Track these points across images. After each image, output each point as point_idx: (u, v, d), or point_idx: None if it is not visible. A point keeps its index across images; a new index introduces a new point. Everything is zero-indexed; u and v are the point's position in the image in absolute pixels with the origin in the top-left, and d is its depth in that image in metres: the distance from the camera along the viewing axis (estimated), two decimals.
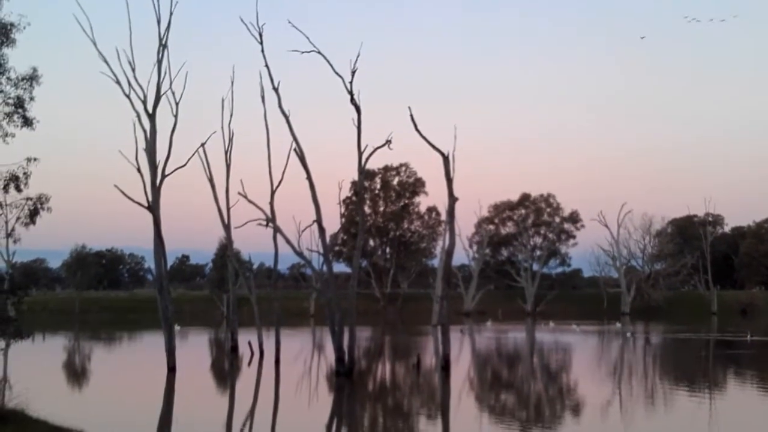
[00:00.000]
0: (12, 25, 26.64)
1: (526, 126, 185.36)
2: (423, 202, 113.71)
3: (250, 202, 38.50)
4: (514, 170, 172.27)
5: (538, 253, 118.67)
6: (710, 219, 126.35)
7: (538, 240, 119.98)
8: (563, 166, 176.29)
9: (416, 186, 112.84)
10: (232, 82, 44.57)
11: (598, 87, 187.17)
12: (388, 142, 33.33)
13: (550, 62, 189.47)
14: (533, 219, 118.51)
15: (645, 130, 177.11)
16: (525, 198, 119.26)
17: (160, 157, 34.10)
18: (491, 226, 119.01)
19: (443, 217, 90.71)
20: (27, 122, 26.77)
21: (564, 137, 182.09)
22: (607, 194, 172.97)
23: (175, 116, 35.41)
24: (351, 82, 33.23)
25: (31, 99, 26.84)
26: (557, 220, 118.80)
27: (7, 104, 26.33)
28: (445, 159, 34.45)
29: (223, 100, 43.93)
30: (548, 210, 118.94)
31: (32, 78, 26.86)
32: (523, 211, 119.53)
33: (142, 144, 33.76)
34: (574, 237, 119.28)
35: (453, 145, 35.48)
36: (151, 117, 34.07)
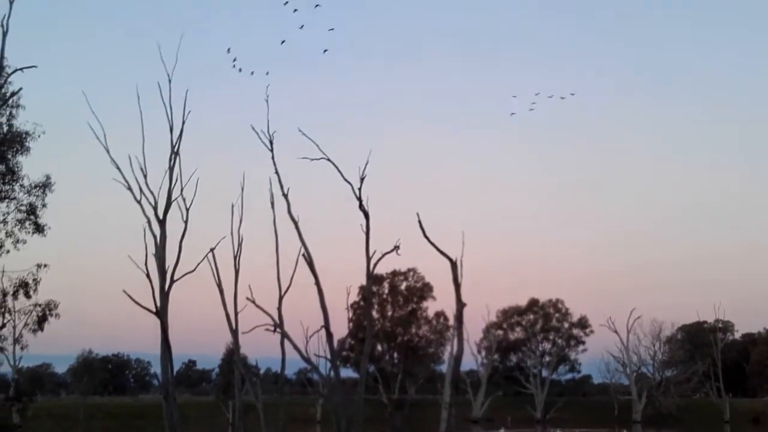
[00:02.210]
0: (27, 133, 27.36)
1: (535, 233, 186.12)
2: (431, 307, 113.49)
3: (258, 307, 38.42)
4: (522, 276, 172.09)
5: (547, 359, 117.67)
6: (720, 325, 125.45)
7: (547, 346, 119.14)
8: (571, 271, 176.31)
9: (424, 291, 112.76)
10: (242, 188, 44.96)
11: (605, 200, 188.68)
12: (396, 248, 33.57)
13: (559, 172, 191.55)
14: (542, 324, 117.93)
15: (653, 240, 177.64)
16: (533, 303, 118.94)
17: (169, 262, 34.32)
18: (500, 332, 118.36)
19: (451, 322, 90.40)
20: (39, 229, 27.16)
21: (572, 246, 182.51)
22: (615, 299, 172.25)
23: (186, 222, 35.72)
24: (360, 189, 33.71)
25: (44, 206, 27.36)
26: (566, 325, 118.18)
27: (19, 211, 26.82)
28: (453, 265, 34.53)
29: (233, 206, 44.25)
30: (557, 315, 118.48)
31: (45, 185, 27.39)
32: (531, 317, 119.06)
33: (151, 249, 34.01)
34: (583, 343, 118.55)
35: (461, 250, 35.64)
36: (162, 223, 34.44)
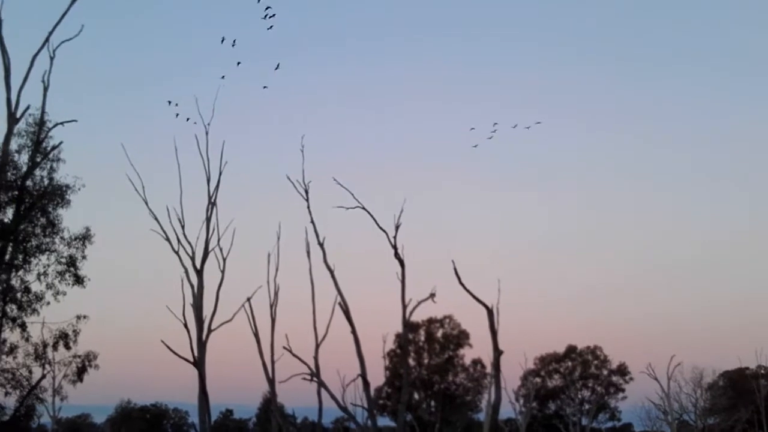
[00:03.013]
0: (67, 186, 27.88)
1: (572, 280, 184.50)
2: (468, 355, 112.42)
3: (295, 356, 38.48)
4: (559, 321, 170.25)
5: (586, 406, 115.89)
6: (763, 371, 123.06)
7: (586, 393, 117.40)
8: (609, 317, 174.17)
9: (461, 338, 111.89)
10: (278, 238, 45.39)
11: (642, 245, 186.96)
12: (432, 295, 33.63)
13: (598, 217, 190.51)
14: (580, 372, 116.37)
15: (691, 284, 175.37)
16: (571, 350, 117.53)
17: (207, 312, 34.62)
18: (538, 379, 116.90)
19: (489, 369, 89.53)
20: (78, 280, 27.51)
21: (610, 291, 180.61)
22: (655, 345, 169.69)
23: (222, 272, 36.08)
24: (395, 237, 33.89)
25: (83, 258, 27.70)
26: (605, 372, 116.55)
27: (60, 263, 27.18)
28: (489, 312, 34.43)
29: (269, 255, 44.64)
30: (595, 362, 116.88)
31: (85, 237, 27.79)
32: (569, 364, 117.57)
33: (189, 299, 34.35)
34: (623, 390, 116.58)
35: (497, 297, 35.57)
36: (199, 273, 34.81)
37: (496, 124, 35.10)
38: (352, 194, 34.57)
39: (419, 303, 34.14)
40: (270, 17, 28.54)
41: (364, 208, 34.44)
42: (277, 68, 30.80)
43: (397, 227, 34.21)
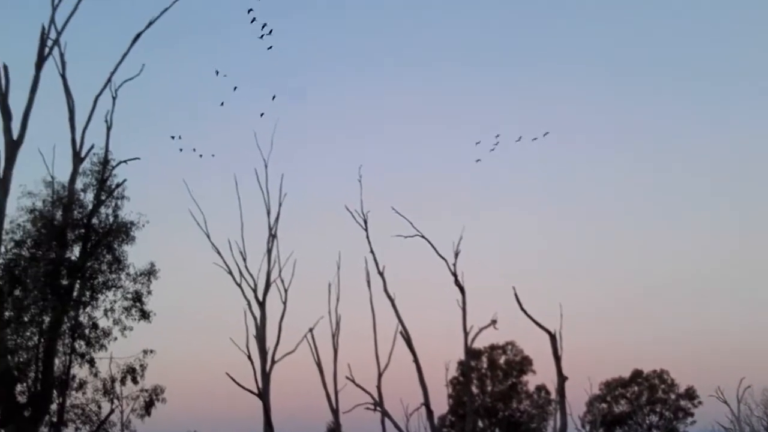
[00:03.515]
0: (132, 223, 28.42)
1: (636, 300, 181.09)
2: (531, 381, 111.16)
3: (358, 385, 38.53)
4: (625, 345, 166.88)
5: None
6: None
7: (654, 418, 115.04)
8: (677, 339, 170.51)
9: (524, 364, 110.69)
10: (339, 267, 45.61)
11: (707, 264, 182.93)
12: (494, 322, 33.49)
13: (655, 236, 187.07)
14: (647, 396, 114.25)
15: (760, 305, 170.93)
16: (637, 374, 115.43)
17: (270, 343, 34.92)
18: (603, 405, 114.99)
19: (553, 395, 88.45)
20: (144, 315, 27.92)
21: (675, 311, 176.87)
22: (724, 368, 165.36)
23: (284, 303, 36.34)
24: (454, 264, 33.89)
25: (149, 293, 28.12)
26: (673, 397, 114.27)
27: (126, 299, 27.63)
28: (552, 337, 34.11)
29: (329, 285, 44.88)
30: (662, 387, 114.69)
31: (150, 273, 28.22)
32: (636, 389, 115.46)
33: (252, 331, 34.70)
34: (692, 415, 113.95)
35: (559, 323, 35.25)
36: (261, 305, 35.16)
37: (498, 135, 35.09)
38: (411, 223, 34.80)
39: (481, 330, 34.04)
40: (268, 34, 29.27)
41: (423, 237, 34.61)
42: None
43: (456, 254, 34.27)
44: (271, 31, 28.45)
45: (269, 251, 36.21)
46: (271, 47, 28.67)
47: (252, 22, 27.66)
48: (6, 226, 26.50)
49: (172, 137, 32.81)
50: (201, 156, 33.67)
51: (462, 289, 34.06)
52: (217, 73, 30.92)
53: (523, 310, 33.98)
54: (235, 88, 31.56)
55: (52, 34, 28.95)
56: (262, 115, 34.00)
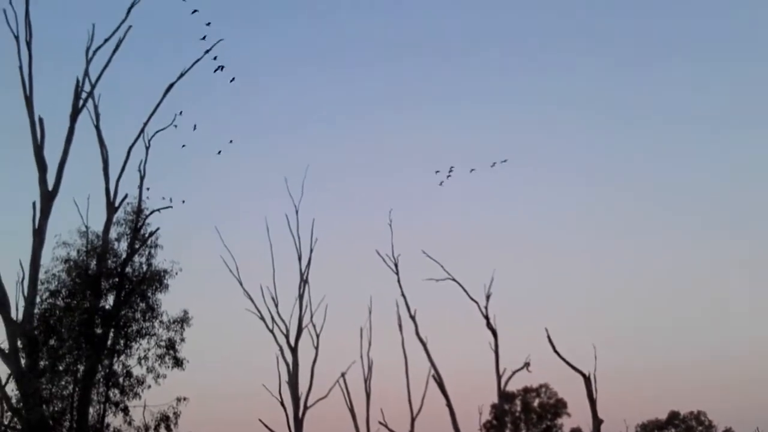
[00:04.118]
0: (165, 271, 28.65)
1: (672, 342, 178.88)
2: (567, 424, 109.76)
3: (391, 431, 38.36)
4: (660, 385, 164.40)
5: None
6: None
7: None
8: (713, 379, 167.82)
9: (558, 407, 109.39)
10: (370, 312, 45.60)
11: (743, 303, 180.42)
12: (527, 365, 33.31)
13: (688, 279, 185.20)
14: None
15: None
16: (674, 416, 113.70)
17: (302, 389, 34.93)
18: None
19: None
20: (178, 363, 28.02)
21: (712, 353, 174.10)
22: (762, 408, 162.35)
23: (316, 348, 36.38)
24: (486, 307, 33.82)
25: (182, 340, 28.25)
26: None
27: (159, 347, 27.76)
28: (587, 379, 33.81)
29: (361, 330, 44.88)
30: (700, 428, 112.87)
31: (183, 320, 28.38)
32: (673, 431, 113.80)
33: (285, 377, 34.75)
34: None
35: (594, 364, 34.95)
36: (294, 350, 35.23)
37: (452, 167, 35.31)
38: (442, 266, 34.85)
39: (514, 372, 33.87)
40: (221, 69, 30.50)
41: (454, 280, 34.63)
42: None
43: (487, 297, 34.24)
44: (222, 67, 29.69)
45: (301, 296, 36.40)
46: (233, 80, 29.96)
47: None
48: (41, 276, 26.86)
49: (219, 152, 33.18)
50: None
51: (494, 332, 33.99)
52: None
53: (556, 352, 33.79)
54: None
55: (87, 87, 29.58)
56: (219, 152, 34.10)
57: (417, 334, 35.78)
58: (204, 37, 30.29)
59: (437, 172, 35.48)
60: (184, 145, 33.01)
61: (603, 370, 32.75)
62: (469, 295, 34.29)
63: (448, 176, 35.04)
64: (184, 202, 31.11)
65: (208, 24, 30.28)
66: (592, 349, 32.60)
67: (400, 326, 38.27)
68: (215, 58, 30.45)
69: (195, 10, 30.15)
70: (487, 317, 34.12)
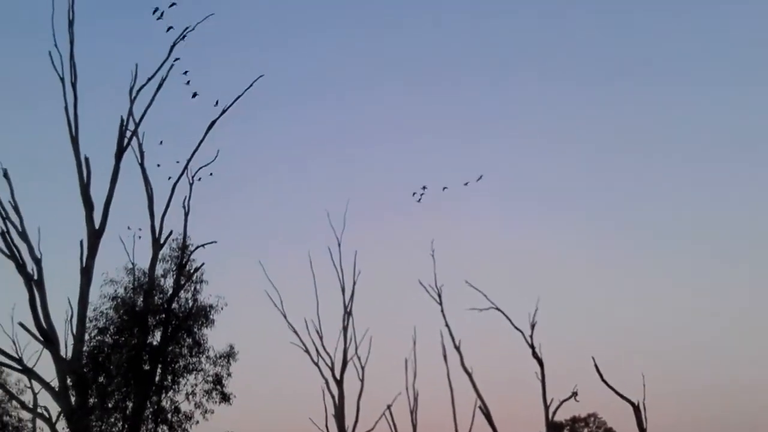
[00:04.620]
0: (211, 306, 28.80)
1: (723, 365, 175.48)
2: None
3: None
4: (710, 414, 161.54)
5: None
6: None
7: None
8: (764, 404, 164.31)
9: None
10: (414, 343, 45.51)
11: None
12: (574, 394, 32.92)
13: (732, 293, 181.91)
14: None
15: None
16: None
17: (349, 422, 34.92)
18: None
19: None
20: (225, 398, 28.08)
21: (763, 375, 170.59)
22: None
23: (362, 380, 36.42)
24: (531, 336, 33.54)
25: (229, 375, 28.31)
26: None
27: (206, 382, 27.84)
28: (636, 408, 33.30)
29: (406, 361, 44.77)
30: None
31: (229, 355, 28.46)
32: None
33: (331, 410, 34.79)
34: None
35: (643, 393, 34.43)
36: (339, 383, 35.26)
37: (425, 187, 35.22)
38: (485, 295, 34.62)
39: (562, 402, 33.50)
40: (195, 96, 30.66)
41: (498, 309, 34.39)
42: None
43: (532, 326, 33.94)
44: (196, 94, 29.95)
45: (345, 329, 36.49)
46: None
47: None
48: (89, 313, 27.23)
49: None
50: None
51: (540, 361, 33.67)
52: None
53: (603, 381, 33.34)
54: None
55: (131, 125, 30.07)
56: (211, 174, 32.54)
57: (462, 364, 35.61)
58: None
59: (414, 194, 35.59)
60: (211, 173, 33.29)
61: (653, 398, 32.24)
62: (513, 324, 34.06)
63: (422, 194, 35.23)
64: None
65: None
66: (641, 376, 32.12)
67: (445, 357, 38.15)
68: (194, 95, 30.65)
69: (195, 94, 30.80)
70: (532, 346, 33.82)
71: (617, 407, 33.41)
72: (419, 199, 34.96)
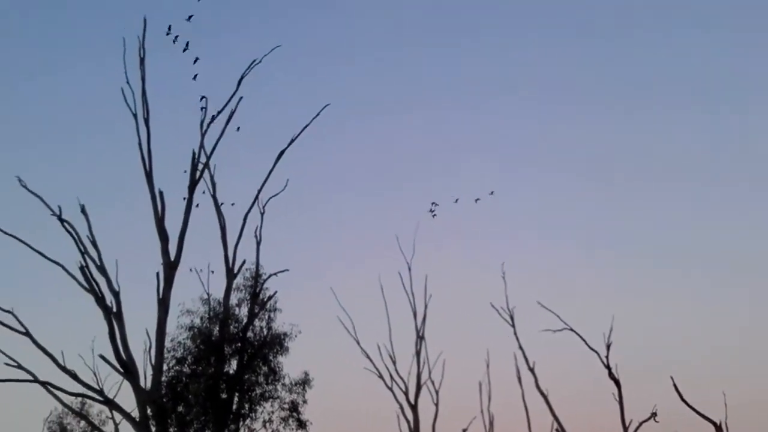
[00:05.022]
0: (285, 334, 29.09)
1: None
2: None
3: None
4: None
5: None
6: None
7: None
8: None
9: None
10: (488, 365, 45.27)
11: None
12: (654, 415, 32.30)
13: None
14: None
15: None
16: None
17: None
18: None
19: None
20: (301, 425, 28.23)
21: None
22: None
23: (436, 405, 36.36)
24: (607, 356, 33.08)
25: (304, 402, 28.50)
26: None
27: (283, 409, 28.06)
28: (718, 428, 32.59)
29: (480, 384, 44.53)
30: None
31: (304, 382, 28.66)
32: None
33: None
34: None
35: (724, 412, 33.69)
36: (414, 407, 35.25)
37: (434, 203, 35.28)
38: (558, 316, 34.26)
39: (641, 423, 32.88)
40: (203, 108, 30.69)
41: (572, 330, 33.99)
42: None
43: (608, 346, 33.45)
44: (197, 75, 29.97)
45: (418, 353, 36.50)
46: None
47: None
48: (167, 344, 27.72)
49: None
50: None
51: (617, 382, 33.14)
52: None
53: (683, 400, 32.71)
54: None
55: (202, 158, 30.66)
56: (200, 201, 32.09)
57: (537, 386, 35.28)
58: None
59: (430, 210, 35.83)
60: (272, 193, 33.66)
61: (735, 417, 31.49)
62: (588, 345, 33.60)
63: (433, 213, 35.46)
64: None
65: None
66: (722, 395, 31.44)
67: (520, 379, 37.86)
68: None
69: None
70: (608, 367, 33.33)
71: (698, 427, 32.72)
72: (434, 215, 35.44)
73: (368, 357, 35.97)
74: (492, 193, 36.04)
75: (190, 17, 29.58)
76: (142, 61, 30.17)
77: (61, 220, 27.90)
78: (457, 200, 36.29)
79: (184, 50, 29.90)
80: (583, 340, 33.47)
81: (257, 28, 64.89)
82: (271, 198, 31.84)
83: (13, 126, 64.28)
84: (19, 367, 26.19)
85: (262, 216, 31.65)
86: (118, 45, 30.11)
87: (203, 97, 30.99)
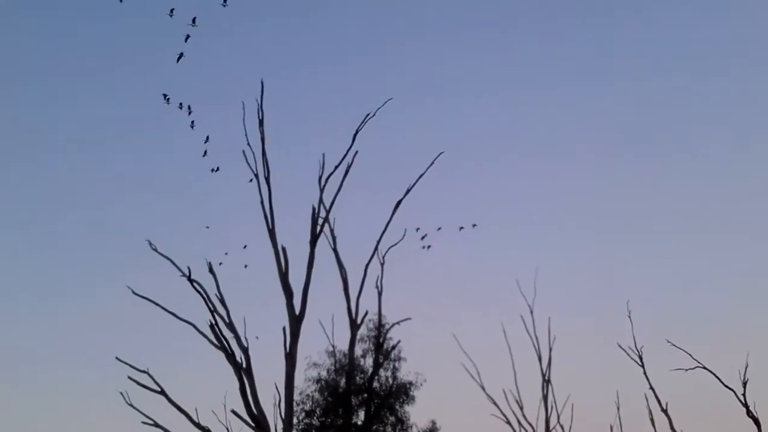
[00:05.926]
0: (410, 383, 29.29)
1: None
2: None
3: None
4: None
5: None
6: None
7: None
8: None
9: None
10: (618, 408, 43.58)
11: None
12: None
13: None
14: None
15: None
16: None
17: None
18: None
19: None
20: None
21: None
22: None
23: None
24: (744, 394, 31.87)
25: None
26: None
27: None
28: None
29: (611, 427, 42.96)
30: None
31: (432, 431, 28.70)
32: None
33: None
34: None
35: None
36: None
37: (418, 229, 34.42)
38: (690, 354, 33.23)
39: None
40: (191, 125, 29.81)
41: (704, 368, 32.91)
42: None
43: (744, 383, 32.23)
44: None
45: (545, 397, 35.93)
46: None
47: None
48: (296, 397, 28.14)
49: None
50: None
51: (756, 420, 31.85)
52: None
53: None
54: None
55: (322, 213, 31.24)
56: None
57: (672, 428, 34.15)
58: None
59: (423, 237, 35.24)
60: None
61: None
62: (723, 383, 32.33)
63: (424, 245, 34.99)
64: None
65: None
66: None
67: (652, 421, 36.64)
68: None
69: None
70: (746, 405, 32.07)
71: None
72: (428, 247, 35.07)
73: (494, 403, 35.55)
74: (474, 225, 36.19)
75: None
76: (261, 122, 30.98)
77: (191, 281, 28.34)
78: (439, 228, 36.28)
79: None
80: (718, 378, 32.32)
81: (370, 80, 65.97)
82: (390, 248, 32.22)
83: (143, 193, 66.60)
84: (156, 425, 26.69)
85: (382, 266, 32.05)
86: (238, 109, 31.04)
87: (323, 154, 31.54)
